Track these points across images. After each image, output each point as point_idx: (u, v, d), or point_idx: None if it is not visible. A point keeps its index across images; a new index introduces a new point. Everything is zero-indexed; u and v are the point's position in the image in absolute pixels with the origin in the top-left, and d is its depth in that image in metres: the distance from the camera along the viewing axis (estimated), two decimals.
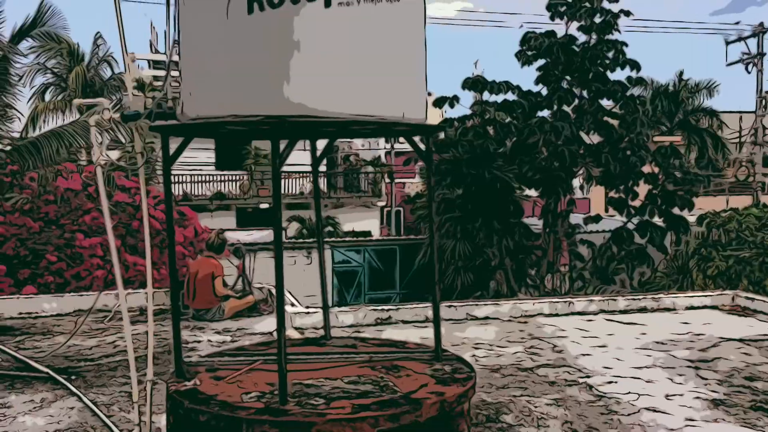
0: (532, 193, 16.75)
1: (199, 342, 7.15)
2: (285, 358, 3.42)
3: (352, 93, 3.44)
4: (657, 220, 15.27)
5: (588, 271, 15.89)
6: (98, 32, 26.94)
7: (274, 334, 7.43)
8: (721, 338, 6.94)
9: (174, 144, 3.86)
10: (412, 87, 3.74)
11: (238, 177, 30.22)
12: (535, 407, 5.06)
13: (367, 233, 30.15)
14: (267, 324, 7.98)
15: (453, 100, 15.62)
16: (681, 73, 30.81)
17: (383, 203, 32.93)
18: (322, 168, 32.60)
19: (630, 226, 15.57)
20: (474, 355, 6.49)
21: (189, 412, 3.43)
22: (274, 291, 8.91)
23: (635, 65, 15.05)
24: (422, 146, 4.11)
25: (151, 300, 4.02)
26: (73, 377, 5.87)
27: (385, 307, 7.82)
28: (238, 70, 3.42)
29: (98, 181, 3.88)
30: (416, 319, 7.89)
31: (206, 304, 8.02)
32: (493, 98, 15.85)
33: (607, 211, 21.02)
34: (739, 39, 25.22)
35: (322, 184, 32.83)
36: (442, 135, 16.76)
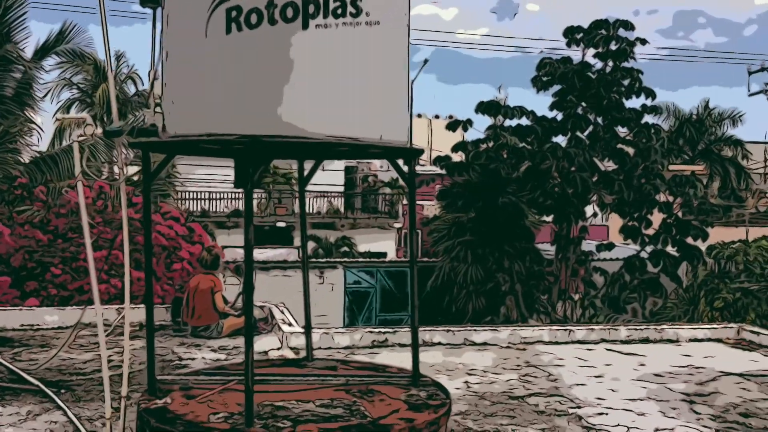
0: (548, 218, 16.67)
1: (193, 359, 7.15)
2: (252, 379, 3.40)
3: (328, 114, 3.46)
4: (671, 250, 15.09)
5: (600, 299, 15.71)
6: (121, 50, 27.40)
7: (270, 353, 7.42)
8: (722, 372, 6.79)
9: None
10: (391, 110, 3.74)
11: (255, 195, 30.44)
12: None
13: (383, 254, 30.13)
14: (264, 343, 7.95)
15: (466, 124, 15.67)
16: (707, 103, 30.57)
17: (400, 225, 32.91)
18: (339, 188, 32.88)
19: (643, 254, 15.40)
20: (466, 381, 6.40)
21: (155, 431, 3.42)
22: (275, 310, 8.95)
23: (650, 93, 14.98)
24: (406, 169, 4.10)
25: (127, 317, 4.02)
26: (62, 391, 5.88)
27: (382, 330, 7.77)
28: (217, 89, 3.45)
29: (79, 197, 3.91)
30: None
31: (205, 320, 8.03)
32: (509, 123, 15.91)
33: (624, 239, 20.83)
34: (762, 69, 24.98)
35: (340, 204, 32.95)
36: (456, 157, 16.80)
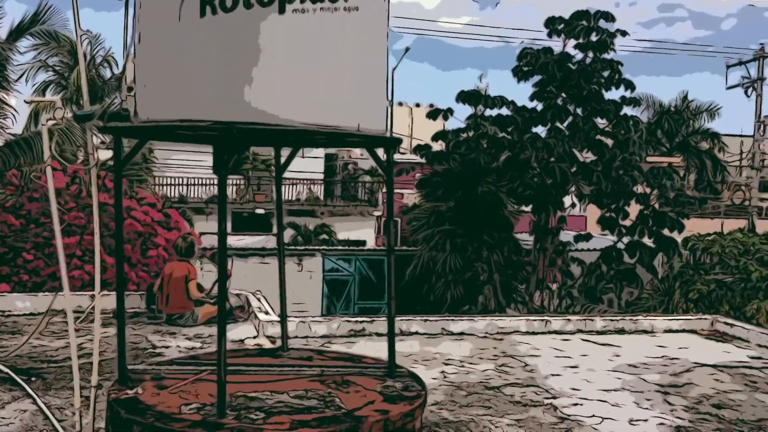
0: (526, 208, 16.72)
1: (167, 347, 7.06)
2: (225, 370, 3.34)
3: (304, 101, 3.39)
4: (647, 241, 15.21)
5: (577, 289, 15.82)
6: (96, 32, 26.87)
7: (246, 342, 7.35)
8: (696, 363, 6.85)
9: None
10: (370, 98, 3.68)
11: (235, 181, 30.20)
12: (496, 427, 4.97)
13: (362, 242, 30.09)
14: (241, 331, 7.89)
15: (447, 113, 15.63)
16: (686, 95, 30.81)
17: (379, 213, 32.86)
18: (319, 176, 32.75)
19: (620, 245, 15.52)
20: (443, 371, 6.40)
21: (125, 422, 3.36)
22: (251, 298, 8.88)
23: (630, 85, 15.04)
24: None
25: (98, 303, 3.94)
26: (33, 378, 5.78)
27: (359, 319, 7.73)
28: (190, 73, 3.37)
29: (48, 182, 3.81)
30: None
31: (180, 308, 7.94)
32: (490, 112, 15.90)
33: (603, 230, 20.99)
34: (740, 63, 25.21)
35: (320, 191, 32.83)
36: (436, 146, 16.77)
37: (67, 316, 3.92)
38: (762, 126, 24.15)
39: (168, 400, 3.56)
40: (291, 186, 30.58)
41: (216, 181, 29.25)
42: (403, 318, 7.92)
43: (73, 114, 3.74)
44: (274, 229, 30.01)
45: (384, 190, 33.93)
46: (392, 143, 3.81)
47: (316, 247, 22.50)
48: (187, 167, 27.46)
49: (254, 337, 7.47)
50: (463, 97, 15.26)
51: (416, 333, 7.83)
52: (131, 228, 9.72)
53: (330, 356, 4.66)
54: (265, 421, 3.30)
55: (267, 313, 7.97)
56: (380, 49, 3.74)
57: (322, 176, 32.82)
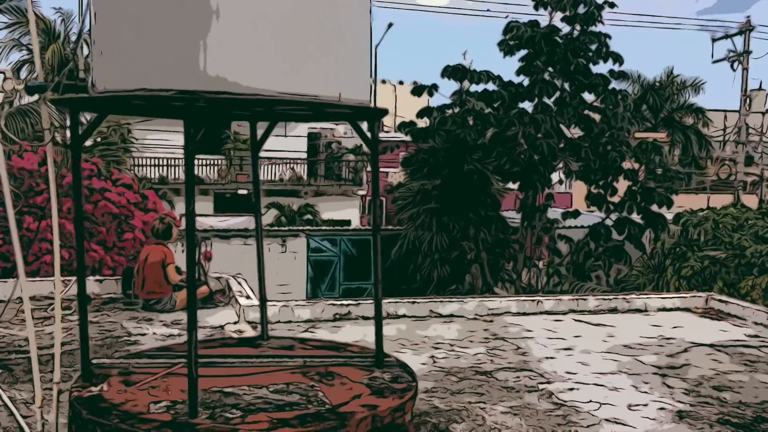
0: (513, 185, 16.45)
1: (143, 335, 6.74)
2: (196, 364, 3.04)
3: (278, 68, 3.06)
4: (635, 217, 15.03)
5: (565, 266, 15.63)
6: (69, 10, 26.13)
7: (226, 328, 7.06)
8: (692, 343, 6.64)
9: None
10: (351, 65, 3.36)
11: (216, 161, 29.70)
12: (490, 415, 4.72)
13: (347, 222, 29.79)
14: (221, 317, 7.58)
15: (432, 89, 15.28)
16: (671, 71, 30.62)
17: (364, 192, 32.53)
18: (302, 155, 32.28)
19: (608, 222, 15.32)
20: (432, 356, 6.14)
21: (86, 423, 3.05)
22: (232, 282, 8.56)
23: (618, 58, 14.75)
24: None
25: (58, 290, 3.62)
26: None
27: (345, 302, 7.45)
28: (151, 39, 3.03)
29: None
30: None
31: (156, 294, 7.61)
32: (475, 88, 15.55)
33: (589, 206, 20.82)
34: (726, 36, 24.99)
35: (303, 171, 32.37)
36: (421, 123, 16.42)
37: (24, 304, 3.59)
38: (748, 100, 24.01)
39: (135, 397, 3.26)
40: (274, 166, 30.13)
41: (199, 162, 28.70)
42: (390, 300, 7.66)
43: (24, 85, 3.39)
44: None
45: (368, 169, 33.57)
46: (377, 114, 3.50)
47: (300, 228, 22.14)
48: (167, 147, 26.89)
49: (235, 323, 7.17)
50: (449, 72, 14.89)
51: (404, 316, 7.57)
52: (106, 210, 9.34)
53: (313, 345, 4.37)
54: (243, 420, 3.01)
55: (248, 297, 7.67)
56: (363, 11, 3.42)
57: (305, 156, 32.34)
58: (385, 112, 3.54)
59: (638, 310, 8.03)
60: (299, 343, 4.40)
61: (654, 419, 4.65)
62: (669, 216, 14.47)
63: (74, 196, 3.58)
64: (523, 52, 15.52)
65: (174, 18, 2.97)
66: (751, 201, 24.58)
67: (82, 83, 3.35)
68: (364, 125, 3.79)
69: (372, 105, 3.45)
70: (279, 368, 3.76)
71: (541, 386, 5.33)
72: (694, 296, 8.21)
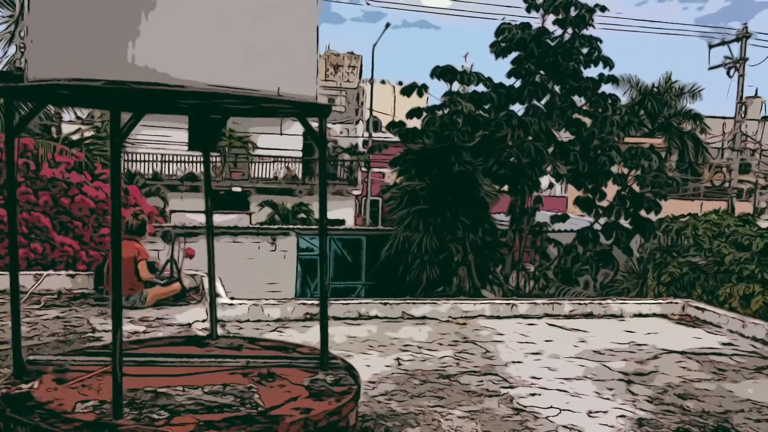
0: (503, 188, 16.36)
1: (108, 331, 6.65)
2: (121, 364, 2.95)
3: (213, 59, 2.97)
4: (624, 222, 14.94)
5: (552, 270, 15.54)
6: None
7: (194, 326, 6.97)
8: (663, 350, 6.55)
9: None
10: (294, 58, 3.27)
11: (210, 158, 29.58)
12: (446, 420, 4.63)
13: (341, 222, 29.68)
14: (191, 314, 7.51)
15: (421, 89, 15.19)
16: (669, 76, 30.53)
17: (358, 192, 32.43)
18: (298, 153, 32.16)
19: (597, 226, 15.24)
20: (398, 358, 6.05)
21: (8, 421, 2.97)
22: (206, 279, 8.48)
23: (608, 62, 14.67)
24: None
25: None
26: None
27: (315, 302, 7.36)
28: (82, 29, 2.94)
29: None
30: (348, 315, 7.45)
31: (126, 290, 7.52)
32: (474, 89, 15.45)
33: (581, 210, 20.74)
34: (723, 43, 24.88)
35: (298, 169, 32.26)
36: (412, 124, 16.33)
37: None
38: (743, 107, 23.92)
39: (64, 396, 3.18)
40: (269, 164, 30.04)
41: (193, 158, 28.57)
42: (363, 301, 7.58)
43: None
44: (251, 208, 29.54)
45: (363, 168, 33.46)
46: (321, 110, 3.41)
47: (290, 227, 22.04)
48: (161, 143, 26.80)
49: (203, 321, 7.09)
50: (438, 72, 14.81)
51: (375, 317, 7.48)
52: (83, 204, 9.26)
53: (262, 345, 4.28)
54: (168, 422, 2.92)
55: (218, 295, 7.57)
56: (308, 4, 3.33)
57: (300, 154, 32.23)
58: (328, 108, 3.45)
59: (614, 316, 7.94)
60: (249, 343, 4.32)
61: (612, 426, 4.57)
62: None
63: (8, 186, 3.50)
64: (514, 55, 15.45)
65: (104, 8, 2.89)
66: (746, 208, 24.51)
67: (18, 72, 3.27)
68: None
69: (316, 99, 3.36)
70: (221, 369, 3.67)
71: (503, 391, 5.25)
72: (671, 303, 8.12)
